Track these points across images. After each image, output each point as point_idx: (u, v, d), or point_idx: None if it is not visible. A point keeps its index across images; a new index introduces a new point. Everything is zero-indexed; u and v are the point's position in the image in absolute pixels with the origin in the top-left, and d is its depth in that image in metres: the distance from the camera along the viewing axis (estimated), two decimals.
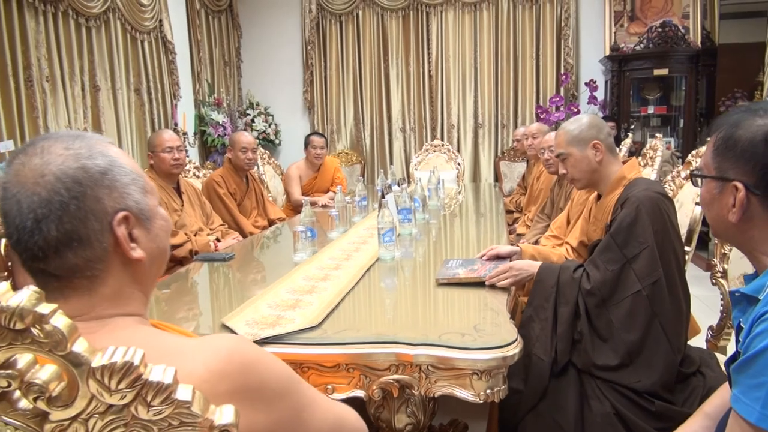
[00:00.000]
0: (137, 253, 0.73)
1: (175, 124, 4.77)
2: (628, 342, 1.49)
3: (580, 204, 2.24)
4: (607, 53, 5.49)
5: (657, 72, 5.27)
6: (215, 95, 5.64)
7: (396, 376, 1.36)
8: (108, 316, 0.72)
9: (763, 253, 0.97)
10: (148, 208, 0.75)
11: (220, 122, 5.34)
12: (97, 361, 0.58)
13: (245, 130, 5.75)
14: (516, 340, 1.36)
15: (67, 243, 0.68)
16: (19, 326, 0.57)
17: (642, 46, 5.30)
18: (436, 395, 1.37)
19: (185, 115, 4.96)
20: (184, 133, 4.69)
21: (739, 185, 0.94)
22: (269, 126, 6.20)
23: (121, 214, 0.71)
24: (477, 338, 1.36)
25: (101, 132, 3.95)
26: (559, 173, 1.91)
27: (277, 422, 0.72)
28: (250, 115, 6.14)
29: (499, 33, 5.86)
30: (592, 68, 5.73)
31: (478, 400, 1.33)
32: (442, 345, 1.34)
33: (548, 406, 1.54)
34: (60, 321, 0.57)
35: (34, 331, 0.57)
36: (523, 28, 5.81)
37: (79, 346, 0.58)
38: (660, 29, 5.21)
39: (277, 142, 6.32)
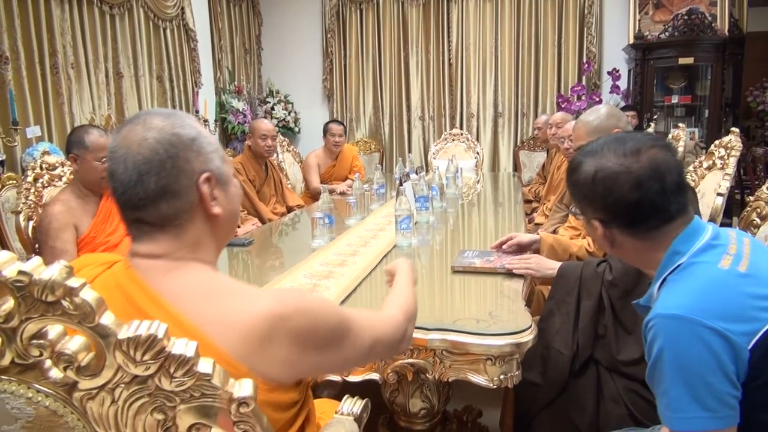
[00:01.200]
0: (216, 209, 0.86)
1: (197, 111, 4.82)
2: None
3: None
4: (631, 41, 5.39)
5: (682, 61, 5.16)
6: (236, 83, 5.68)
7: (411, 360, 1.38)
8: (188, 259, 0.84)
9: (646, 267, 1.08)
10: (226, 173, 0.90)
11: (241, 110, 5.39)
12: (123, 333, 0.61)
13: (265, 117, 5.79)
14: (530, 326, 1.37)
15: (162, 195, 0.81)
16: (50, 298, 0.60)
17: (667, 34, 5.19)
18: (450, 380, 1.39)
19: (206, 102, 5.01)
20: (205, 120, 4.74)
21: (596, 223, 1.05)
22: (289, 114, 6.23)
23: (205, 175, 0.84)
24: (491, 324, 1.38)
25: (124, 118, 4.01)
26: None
27: (323, 361, 0.84)
28: (270, 102, 6.18)
29: (521, 21, 5.78)
30: (615, 57, 5.63)
31: (491, 385, 1.34)
32: (457, 330, 1.35)
33: (565, 404, 1.54)
34: (89, 294, 0.60)
35: (65, 303, 0.60)
36: (545, 16, 5.73)
37: (107, 319, 0.61)
38: (686, 17, 5.09)
39: (296, 129, 6.35)
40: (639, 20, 5.50)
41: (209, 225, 0.87)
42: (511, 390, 1.65)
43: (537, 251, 2.02)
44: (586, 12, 5.60)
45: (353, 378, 1.41)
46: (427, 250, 2.25)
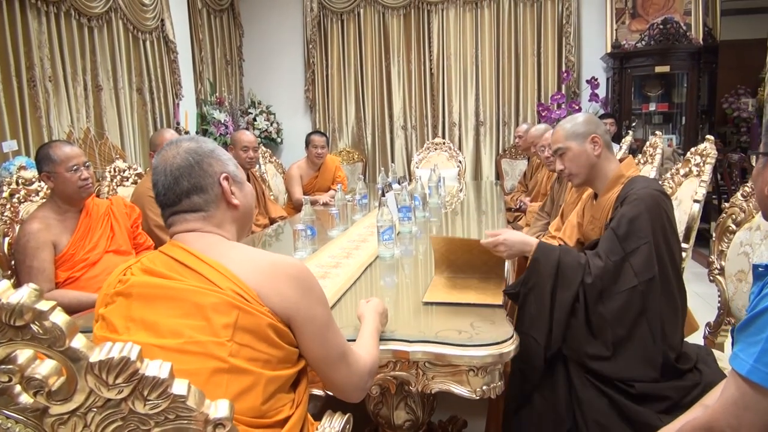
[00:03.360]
0: (235, 200, 1.13)
1: (177, 124, 4.79)
2: (615, 336, 1.49)
3: (572, 203, 2.24)
4: (609, 50, 5.48)
5: (658, 69, 5.26)
6: (217, 94, 5.65)
7: (393, 373, 1.38)
8: (215, 233, 1.10)
9: None
10: (239, 176, 1.17)
11: (222, 121, 5.36)
12: (95, 357, 0.60)
13: (247, 128, 5.76)
14: (512, 336, 1.37)
15: (193, 190, 1.09)
16: (19, 323, 0.58)
17: (643, 43, 5.29)
18: (433, 391, 1.39)
19: (187, 114, 4.98)
20: (186, 132, 4.71)
21: None
22: (271, 125, 6.21)
23: (224, 174, 1.12)
24: (473, 335, 1.38)
25: (104, 131, 3.97)
26: (557, 169, 1.89)
27: (310, 321, 1.06)
28: (251, 113, 6.16)
29: (501, 31, 5.85)
30: (593, 66, 5.72)
31: (474, 396, 1.34)
32: (439, 342, 1.35)
33: (540, 394, 1.55)
34: (59, 318, 0.59)
35: (34, 327, 0.59)
36: (525, 26, 5.81)
37: (78, 342, 0.60)
38: (661, 26, 5.20)
39: (279, 140, 6.33)
40: (616, 30, 5.60)
41: (230, 213, 1.13)
42: (495, 400, 1.65)
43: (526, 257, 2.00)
44: (564, 22, 5.68)
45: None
46: (410, 261, 2.25)
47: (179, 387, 0.61)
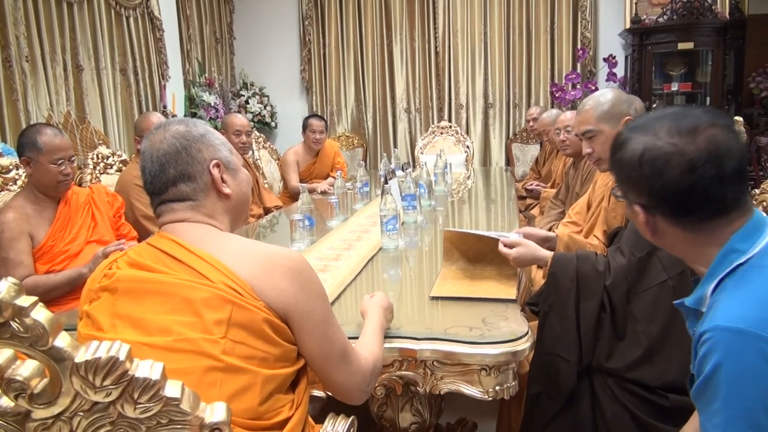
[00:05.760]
0: (227, 190, 1.12)
1: (164, 107, 4.76)
2: (649, 335, 1.48)
3: (602, 186, 2.22)
4: (628, 26, 5.43)
5: (681, 46, 5.21)
6: (206, 75, 5.62)
7: (399, 373, 1.38)
8: (205, 223, 1.09)
9: (693, 262, 1.01)
10: (233, 162, 1.16)
11: (212, 104, 5.34)
12: (80, 357, 0.59)
13: (239, 112, 5.74)
14: (527, 333, 1.36)
15: (180, 178, 1.08)
16: None
17: (665, 17, 5.24)
18: (442, 392, 1.39)
19: (174, 96, 4.95)
20: (174, 116, 4.69)
21: (637, 209, 1.00)
22: (264, 108, 6.19)
23: (214, 161, 1.10)
24: (485, 332, 1.37)
25: (85, 115, 3.95)
26: (584, 152, 1.85)
27: (308, 316, 1.05)
28: (243, 96, 6.13)
29: (511, 5, 5.80)
30: (611, 42, 5.67)
31: (486, 397, 1.34)
32: (448, 339, 1.35)
33: (564, 409, 1.54)
34: (41, 314, 0.58)
35: (14, 325, 0.58)
36: (537, 0, 5.76)
37: (62, 341, 0.59)
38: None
39: (273, 124, 6.31)
40: (636, 3, 5.54)
41: (222, 203, 1.12)
42: (507, 402, 1.64)
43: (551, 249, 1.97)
44: None
45: None
46: (415, 252, 2.24)
47: (172, 389, 0.61)
